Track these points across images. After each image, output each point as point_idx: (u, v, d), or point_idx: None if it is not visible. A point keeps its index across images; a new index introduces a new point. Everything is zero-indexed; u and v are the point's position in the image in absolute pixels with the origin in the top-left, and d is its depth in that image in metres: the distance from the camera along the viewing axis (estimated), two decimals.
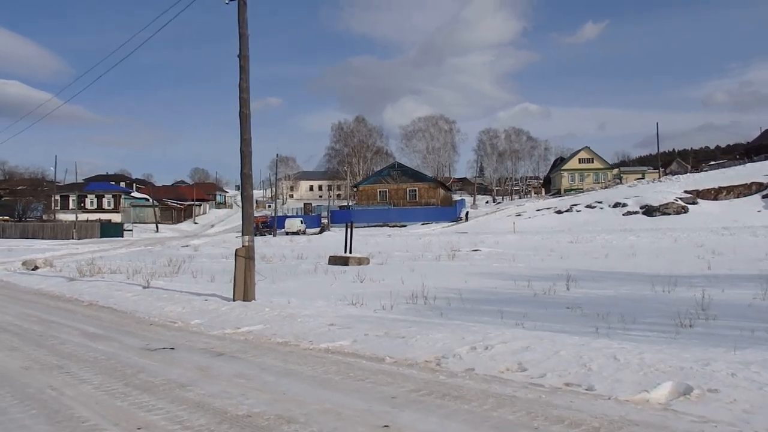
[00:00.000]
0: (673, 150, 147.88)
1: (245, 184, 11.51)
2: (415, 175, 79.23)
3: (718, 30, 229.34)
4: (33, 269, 22.25)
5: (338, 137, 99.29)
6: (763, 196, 60.20)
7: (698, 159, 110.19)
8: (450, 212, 72.93)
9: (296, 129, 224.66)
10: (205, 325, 9.18)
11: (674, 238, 37.00)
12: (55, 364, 6.64)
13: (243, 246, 11.31)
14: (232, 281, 11.27)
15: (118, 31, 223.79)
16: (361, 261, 24.26)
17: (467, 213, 72.97)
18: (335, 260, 24.45)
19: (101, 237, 62.60)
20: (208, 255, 32.30)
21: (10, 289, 16.80)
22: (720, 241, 32.15)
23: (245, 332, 8.45)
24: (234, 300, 11.06)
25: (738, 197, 62.19)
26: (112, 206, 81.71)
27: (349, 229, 25.96)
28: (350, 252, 25.18)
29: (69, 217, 74.27)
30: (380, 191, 77.71)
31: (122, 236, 63.85)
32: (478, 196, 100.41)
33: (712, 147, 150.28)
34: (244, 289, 11.11)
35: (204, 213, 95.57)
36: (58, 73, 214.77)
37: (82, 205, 75.72)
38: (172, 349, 7.43)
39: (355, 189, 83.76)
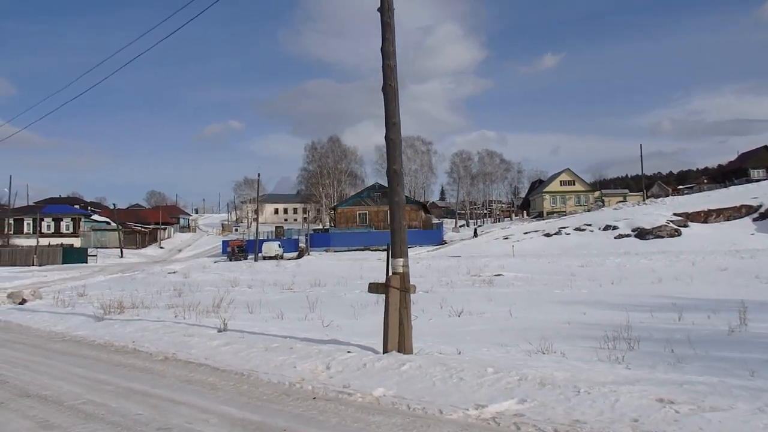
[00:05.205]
0: (626, 175, 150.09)
1: (395, 185, 8.11)
2: None
3: (665, 61, 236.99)
4: (20, 303, 17.99)
5: (312, 158, 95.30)
6: (754, 219, 59.76)
7: (650, 184, 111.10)
8: (434, 235, 70.12)
9: (249, 153, 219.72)
10: (411, 400, 5.66)
11: (691, 262, 35.23)
12: None
13: (395, 273, 7.96)
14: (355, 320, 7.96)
15: (62, 55, 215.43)
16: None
17: (476, 230, 71.16)
18: (377, 288, 21.02)
19: (64, 263, 57.25)
20: (208, 282, 28.32)
21: (22, 333, 11.86)
22: (746, 265, 30.29)
23: (508, 414, 5.05)
24: (388, 350, 7.65)
25: (728, 220, 61.55)
26: (71, 230, 74.96)
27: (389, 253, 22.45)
28: None
29: (24, 242, 68.11)
30: (360, 213, 74.31)
31: (86, 262, 58.30)
32: (448, 220, 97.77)
33: (664, 173, 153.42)
34: (399, 335, 7.72)
35: (169, 237, 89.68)
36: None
37: (39, 229, 69.42)
38: None
39: (332, 211, 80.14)
